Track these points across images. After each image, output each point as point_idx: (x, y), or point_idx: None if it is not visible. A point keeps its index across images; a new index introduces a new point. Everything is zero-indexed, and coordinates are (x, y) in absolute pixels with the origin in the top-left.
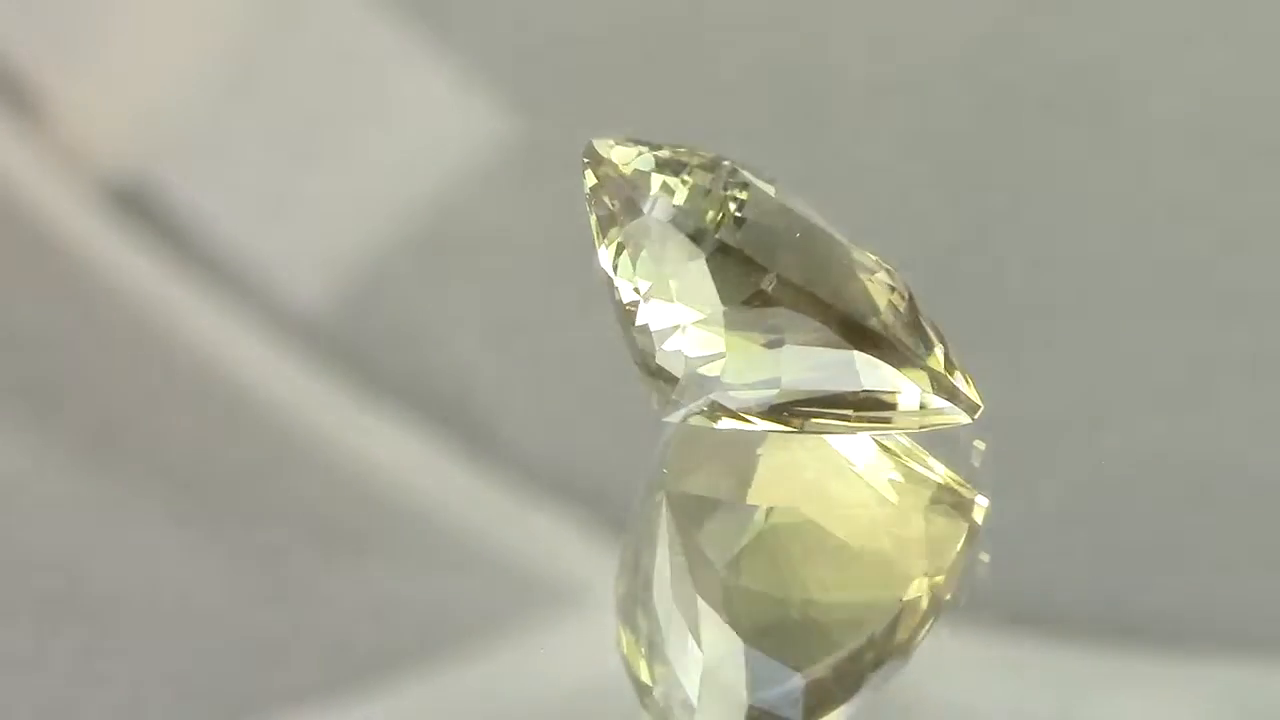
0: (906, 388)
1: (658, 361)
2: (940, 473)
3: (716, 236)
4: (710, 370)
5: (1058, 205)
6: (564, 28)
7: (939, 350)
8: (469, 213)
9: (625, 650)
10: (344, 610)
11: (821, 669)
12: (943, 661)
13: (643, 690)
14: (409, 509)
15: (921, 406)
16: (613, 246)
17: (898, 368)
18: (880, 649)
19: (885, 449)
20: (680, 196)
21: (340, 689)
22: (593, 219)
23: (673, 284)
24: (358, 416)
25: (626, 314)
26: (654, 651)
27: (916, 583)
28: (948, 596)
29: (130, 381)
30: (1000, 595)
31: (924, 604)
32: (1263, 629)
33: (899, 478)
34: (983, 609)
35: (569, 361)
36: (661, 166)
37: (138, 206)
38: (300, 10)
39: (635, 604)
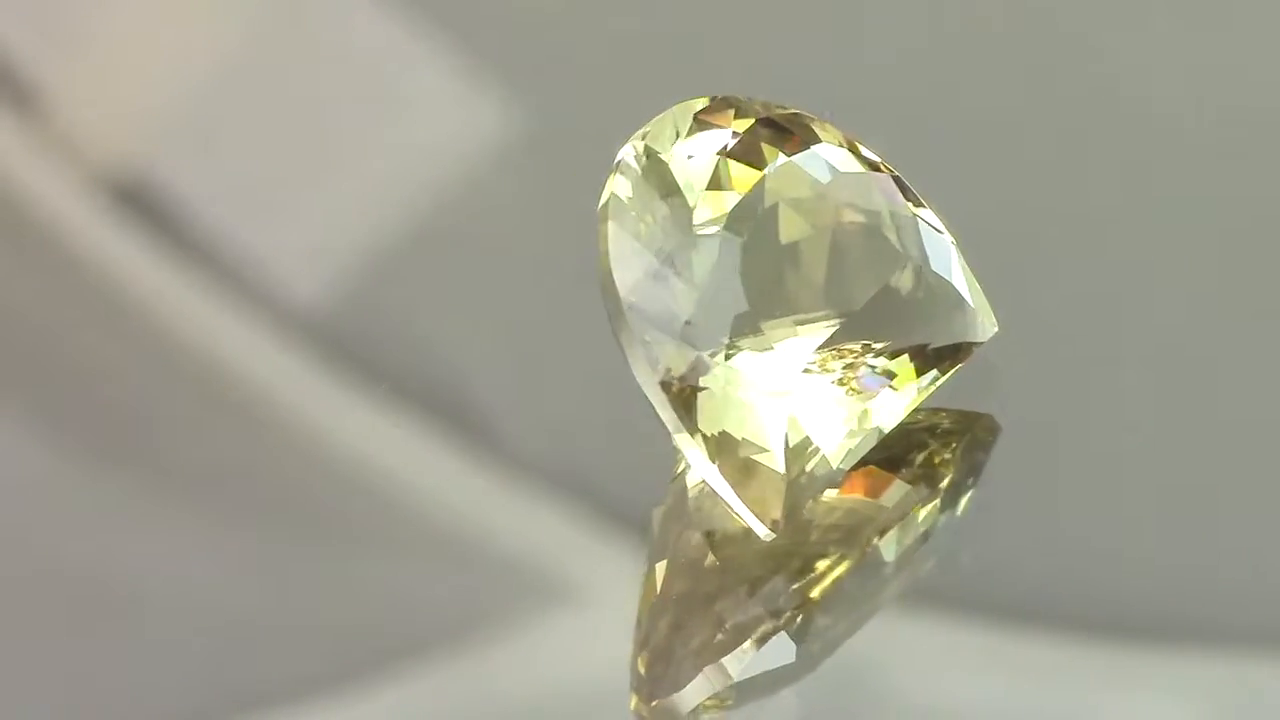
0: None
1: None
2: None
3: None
4: None
5: (1076, 201)
6: (567, 25)
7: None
8: (470, 211)
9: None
10: (342, 606)
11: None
12: (942, 661)
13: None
14: (408, 506)
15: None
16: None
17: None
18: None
19: None
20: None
21: (338, 684)
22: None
23: None
24: (357, 413)
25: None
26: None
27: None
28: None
29: (129, 377)
30: (1000, 595)
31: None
32: (1262, 628)
33: None
34: (983, 609)
35: (569, 361)
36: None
37: (137, 202)
38: (301, 6)
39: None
